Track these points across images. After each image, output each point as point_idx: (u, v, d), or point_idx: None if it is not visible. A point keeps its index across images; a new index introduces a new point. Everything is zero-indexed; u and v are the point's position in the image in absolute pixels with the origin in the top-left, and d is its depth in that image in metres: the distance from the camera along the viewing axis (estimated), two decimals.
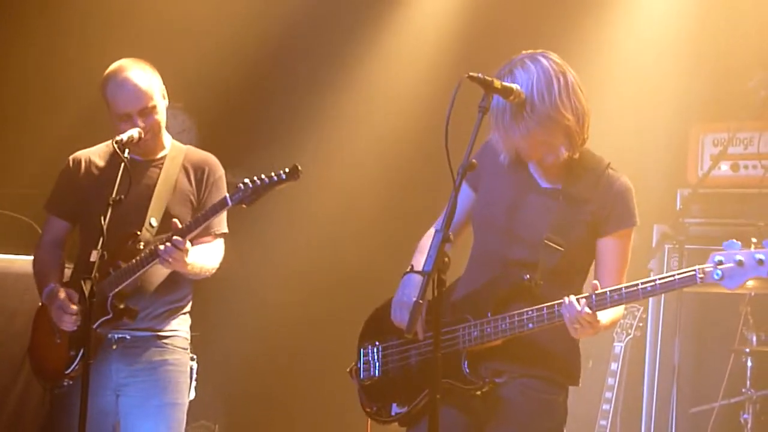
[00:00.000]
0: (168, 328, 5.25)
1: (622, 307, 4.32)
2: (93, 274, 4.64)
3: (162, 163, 5.28)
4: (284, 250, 7.91)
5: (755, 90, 7.16)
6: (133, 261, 5.06)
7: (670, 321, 7.05)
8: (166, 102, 5.30)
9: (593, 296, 4.17)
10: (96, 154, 5.38)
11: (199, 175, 5.32)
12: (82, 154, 5.39)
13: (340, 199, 7.80)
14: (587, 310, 4.14)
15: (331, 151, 7.94)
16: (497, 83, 4.17)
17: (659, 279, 4.07)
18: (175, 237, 4.93)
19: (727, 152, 7.17)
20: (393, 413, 4.59)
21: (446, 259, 3.94)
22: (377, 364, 4.65)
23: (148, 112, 5.17)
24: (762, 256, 3.94)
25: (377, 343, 4.66)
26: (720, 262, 3.99)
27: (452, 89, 4.01)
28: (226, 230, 5.35)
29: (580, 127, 4.34)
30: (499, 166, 4.47)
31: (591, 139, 4.46)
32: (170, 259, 4.95)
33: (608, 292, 4.15)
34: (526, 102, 4.25)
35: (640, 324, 6.97)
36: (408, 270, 4.63)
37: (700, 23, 7.29)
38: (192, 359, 5.38)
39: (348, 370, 4.74)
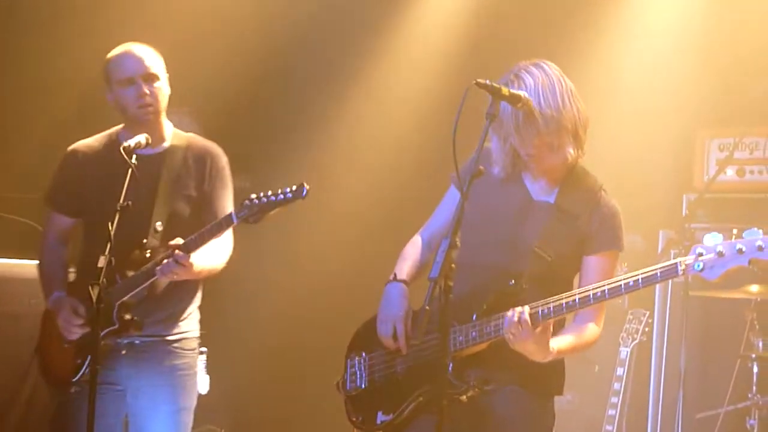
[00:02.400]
0: (176, 331, 5.22)
1: (584, 338, 4.40)
2: (101, 280, 4.63)
3: (163, 159, 5.18)
4: (294, 253, 7.91)
5: (764, 93, 7.17)
6: (140, 271, 5.01)
7: (676, 326, 7.03)
8: (168, 90, 5.23)
9: (555, 305, 4.21)
10: (95, 144, 5.29)
11: (201, 166, 5.24)
12: (81, 145, 5.29)
13: (349, 202, 7.80)
14: (525, 316, 4.17)
15: (339, 155, 7.94)
16: (505, 90, 4.19)
17: (641, 273, 4.12)
18: (177, 254, 4.89)
19: (733, 157, 7.17)
20: (378, 422, 4.59)
21: (453, 265, 3.95)
22: (363, 375, 4.68)
23: (152, 78, 5.12)
24: (742, 246, 4.01)
25: (363, 355, 4.68)
26: (701, 254, 4.07)
27: (459, 95, 4.03)
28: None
29: (583, 130, 4.41)
30: (492, 176, 4.49)
31: (598, 145, 4.48)
32: (174, 276, 4.95)
33: (591, 292, 4.17)
34: (533, 107, 4.29)
35: (646, 329, 6.98)
36: (390, 278, 4.65)
37: (707, 28, 7.30)
38: (201, 353, 5.38)
39: (335, 383, 4.75)
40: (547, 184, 4.51)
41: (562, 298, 4.22)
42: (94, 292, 4.61)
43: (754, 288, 6.59)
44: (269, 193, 4.81)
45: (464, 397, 4.36)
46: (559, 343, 4.31)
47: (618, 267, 4.57)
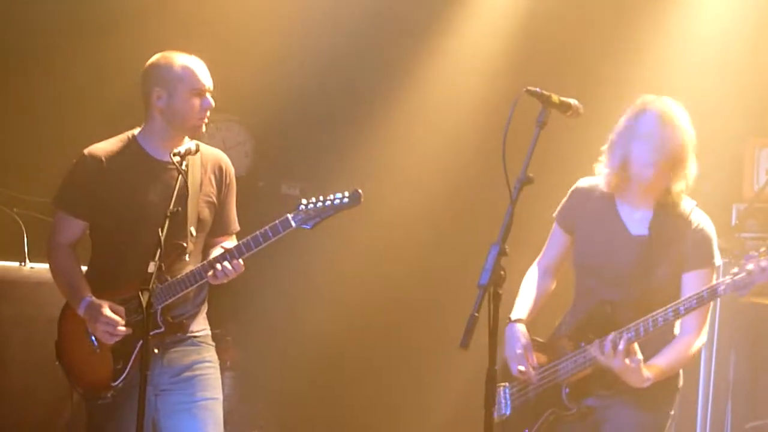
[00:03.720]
0: (199, 327, 5.26)
1: (680, 352, 4.81)
2: (150, 286, 4.67)
3: (189, 167, 5.14)
4: (340, 263, 7.92)
5: None
6: (185, 275, 5.06)
7: (725, 335, 6.98)
8: None
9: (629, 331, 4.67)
10: (112, 148, 5.22)
11: (218, 174, 5.27)
12: (99, 149, 5.21)
13: (391, 209, 7.79)
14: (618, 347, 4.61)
15: (388, 163, 7.94)
16: (555, 98, 4.21)
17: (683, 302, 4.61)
18: (234, 261, 4.97)
19: None
20: None
21: (502, 273, 4.01)
22: (507, 403, 5.05)
23: (212, 94, 5.16)
24: (765, 263, 4.41)
25: (506, 386, 5.05)
26: (735, 274, 4.49)
27: (510, 101, 4.06)
28: (238, 228, 5.36)
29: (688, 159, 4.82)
30: (590, 212, 4.93)
31: None
32: (225, 279, 5.01)
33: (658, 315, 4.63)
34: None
35: None
36: (509, 320, 5.02)
37: (756, 36, 7.25)
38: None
39: None
40: (642, 212, 4.85)
41: (658, 315, 4.62)
42: (144, 297, 4.65)
43: None
44: (323, 198, 4.86)
45: (577, 415, 4.84)
46: (654, 367, 4.71)
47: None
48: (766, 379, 6.91)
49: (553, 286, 5.17)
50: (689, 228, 4.82)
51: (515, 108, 4.07)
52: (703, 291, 4.57)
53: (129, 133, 5.27)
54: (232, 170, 5.35)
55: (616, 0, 7.58)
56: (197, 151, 5.07)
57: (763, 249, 4.48)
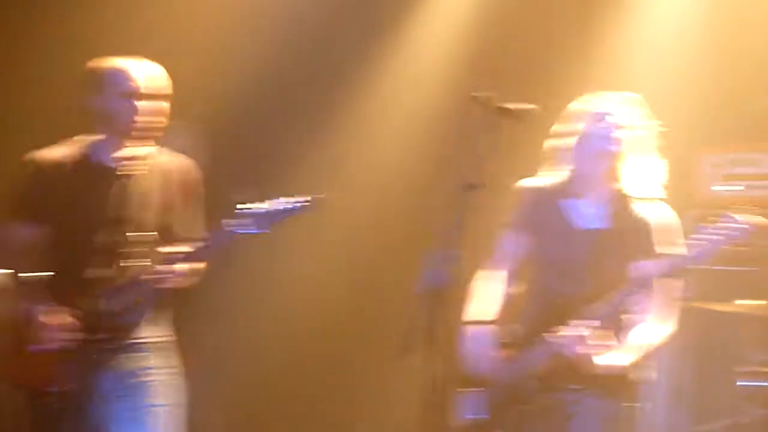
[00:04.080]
0: (148, 333, 5.19)
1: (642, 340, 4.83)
2: (94, 290, 4.63)
3: (138, 169, 5.12)
4: (294, 266, 7.87)
5: (762, 109, 7.15)
6: (126, 281, 5.02)
7: (673, 340, 6.96)
8: None
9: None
10: (61, 154, 5.17)
11: (179, 179, 5.22)
12: (41, 154, 5.16)
13: (347, 213, 7.74)
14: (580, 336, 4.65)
15: (341, 166, 7.90)
16: (503, 104, 4.21)
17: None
18: (173, 266, 4.94)
19: (733, 172, 7.17)
20: None
21: (453, 278, 4.09)
22: (479, 406, 5.00)
23: (167, 100, 5.12)
24: (721, 230, 4.60)
25: (475, 389, 4.99)
26: (695, 243, 4.63)
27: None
28: (204, 235, 5.26)
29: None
30: (543, 211, 4.94)
31: None
32: (166, 285, 4.98)
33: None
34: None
35: None
36: (470, 322, 4.97)
37: (706, 43, 7.27)
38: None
39: None
40: (596, 206, 4.90)
41: (599, 309, 4.68)
42: (85, 302, 4.61)
43: (753, 302, 6.56)
44: (280, 202, 4.84)
45: (547, 407, 4.82)
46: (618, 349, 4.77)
47: None
48: (713, 385, 6.94)
49: (513, 290, 5.16)
50: (645, 219, 4.87)
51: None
52: (660, 264, 4.65)
53: (81, 139, 5.23)
54: (196, 176, 5.30)
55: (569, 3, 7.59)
56: (149, 156, 5.03)
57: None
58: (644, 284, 4.69)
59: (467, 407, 4.92)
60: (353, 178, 7.84)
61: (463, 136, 4.07)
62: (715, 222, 4.55)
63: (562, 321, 4.74)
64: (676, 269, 4.65)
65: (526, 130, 4.53)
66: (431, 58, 7.84)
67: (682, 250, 4.77)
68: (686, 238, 4.61)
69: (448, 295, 4.00)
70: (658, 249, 4.83)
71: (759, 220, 4.50)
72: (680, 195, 7.21)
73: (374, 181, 7.81)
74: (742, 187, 7.18)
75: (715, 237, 4.55)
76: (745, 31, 7.19)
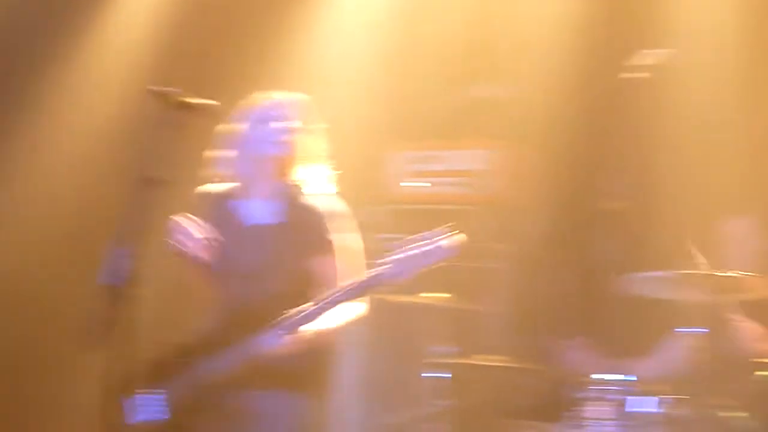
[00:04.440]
0: None
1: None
2: None
3: None
4: None
5: (450, 106, 7.34)
6: None
7: (361, 331, 7.07)
8: None
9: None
10: None
11: None
12: None
13: (26, 208, 7.51)
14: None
15: (27, 160, 7.65)
16: (183, 98, 4.18)
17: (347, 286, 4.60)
18: None
19: (421, 168, 7.36)
20: None
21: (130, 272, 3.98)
22: (156, 407, 4.86)
23: None
24: (426, 248, 4.48)
25: (152, 390, 4.82)
26: (393, 260, 4.52)
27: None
28: None
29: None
30: (215, 216, 4.93)
31: None
32: None
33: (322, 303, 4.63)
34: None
35: None
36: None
37: (386, 41, 7.38)
38: None
39: None
40: (267, 203, 4.91)
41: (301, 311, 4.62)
42: None
43: (438, 294, 6.73)
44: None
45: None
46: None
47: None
48: (402, 376, 7.08)
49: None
50: (316, 210, 4.91)
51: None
52: (366, 277, 4.61)
53: None
54: None
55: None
56: None
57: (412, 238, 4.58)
58: (339, 299, 4.68)
59: (147, 408, 4.77)
60: (38, 173, 7.61)
61: (142, 132, 4.01)
62: (418, 240, 4.55)
63: (249, 323, 4.72)
64: (371, 287, 4.65)
65: (207, 126, 4.51)
66: (116, 56, 7.67)
67: (357, 243, 4.89)
68: (387, 255, 4.63)
69: (126, 291, 3.91)
70: (330, 237, 4.89)
71: (460, 239, 4.53)
72: (371, 191, 7.45)
73: (58, 176, 7.59)
74: (429, 184, 7.37)
75: (416, 256, 4.54)
76: (426, 32, 7.36)
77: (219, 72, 7.04)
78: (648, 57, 5.68)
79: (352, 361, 7.14)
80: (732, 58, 6.60)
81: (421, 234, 4.55)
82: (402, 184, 7.34)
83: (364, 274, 4.63)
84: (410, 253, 4.52)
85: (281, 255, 4.87)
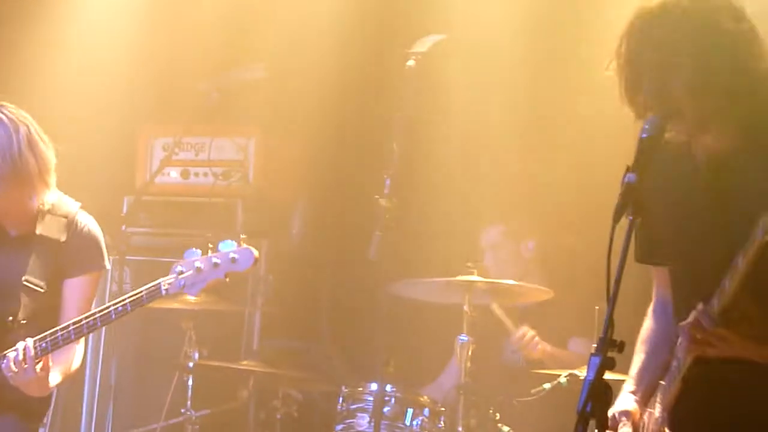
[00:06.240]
0: None
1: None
2: None
3: None
4: None
5: (206, 93, 6.94)
6: None
7: (109, 339, 6.70)
8: None
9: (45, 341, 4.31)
10: None
11: None
12: None
13: None
14: (30, 353, 4.26)
15: None
16: None
17: (128, 298, 4.28)
18: None
19: (176, 158, 6.93)
20: None
21: None
22: None
23: None
24: (217, 260, 4.22)
25: None
26: (181, 272, 4.25)
27: None
28: None
29: (45, 175, 4.47)
30: None
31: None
32: None
33: (84, 322, 4.32)
34: None
35: None
36: None
37: (148, 22, 6.90)
38: None
39: None
40: (24, 220, 4.56)
41: (58, 331, 4.31)
42: None
43: (191, 298, 6.32)
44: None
45: None
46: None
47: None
48: (154, 384, 6.67)
49: None
50: (73, 232, 4.60)
51: None
52: (140, 293, 4.28)
53: None
54: None
55: None
56: None
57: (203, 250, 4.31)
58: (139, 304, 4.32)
59: None
60: None
61: None
62: (210, 253, 4.26)
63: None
64: (152, 300, 4.31)
65: None
66: None
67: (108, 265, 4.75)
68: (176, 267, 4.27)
69: None
70: (106, 265, 4.73)
71: (255, 253, 4.26)
72: (122, 180, 7.00)
73: None
74: (177, 175, 7.01)
75: (205, 270, 4.24)
76: (189, 11, 6.91)
77: None
78: (421, 44, 5.47)
79: (102, 369, 6.76)
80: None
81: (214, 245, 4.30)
82: (155, 174, 6.85)
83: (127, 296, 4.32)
84: (198, 265, 4.25)
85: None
